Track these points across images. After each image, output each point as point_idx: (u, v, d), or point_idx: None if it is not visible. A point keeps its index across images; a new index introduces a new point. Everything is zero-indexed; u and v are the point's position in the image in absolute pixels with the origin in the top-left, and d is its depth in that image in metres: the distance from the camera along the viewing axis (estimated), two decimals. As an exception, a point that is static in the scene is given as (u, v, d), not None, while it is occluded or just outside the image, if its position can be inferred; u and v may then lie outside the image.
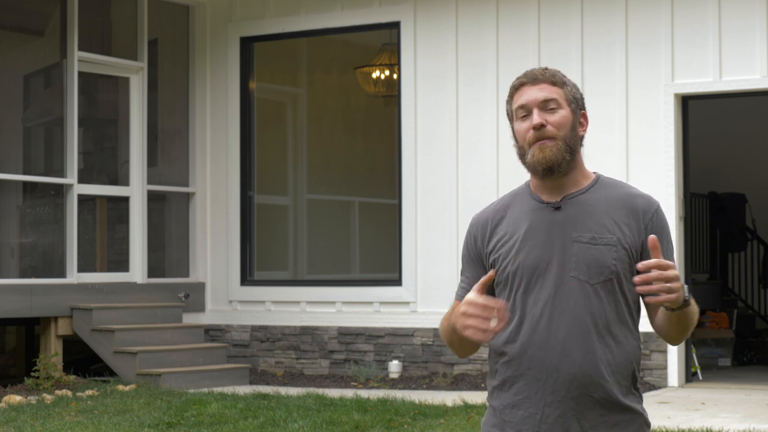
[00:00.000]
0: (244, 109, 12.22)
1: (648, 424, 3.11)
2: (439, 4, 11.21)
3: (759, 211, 14.55)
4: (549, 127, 3.06)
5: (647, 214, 3.08)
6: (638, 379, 3.11)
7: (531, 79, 3.10)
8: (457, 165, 11.03)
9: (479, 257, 3.17)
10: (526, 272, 3.06)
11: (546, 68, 3.13)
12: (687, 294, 2.92)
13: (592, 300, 3.02)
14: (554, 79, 3.11)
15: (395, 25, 11.48)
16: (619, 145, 10.38)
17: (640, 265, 2.86)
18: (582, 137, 3.15)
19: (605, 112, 10.46)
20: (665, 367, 10.12)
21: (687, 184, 10.49)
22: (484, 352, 10.43)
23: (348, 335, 11.43)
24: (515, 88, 3.13)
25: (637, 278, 2.87)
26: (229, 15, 12.35)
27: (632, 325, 3.08)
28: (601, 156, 10.45)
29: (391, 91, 12.34)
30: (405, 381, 10.77)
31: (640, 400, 3.11)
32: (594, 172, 3.18)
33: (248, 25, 12.24)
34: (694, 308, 2.99)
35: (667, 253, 3.06)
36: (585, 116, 3.16)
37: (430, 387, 10.44)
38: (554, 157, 3.05)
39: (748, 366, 12.49)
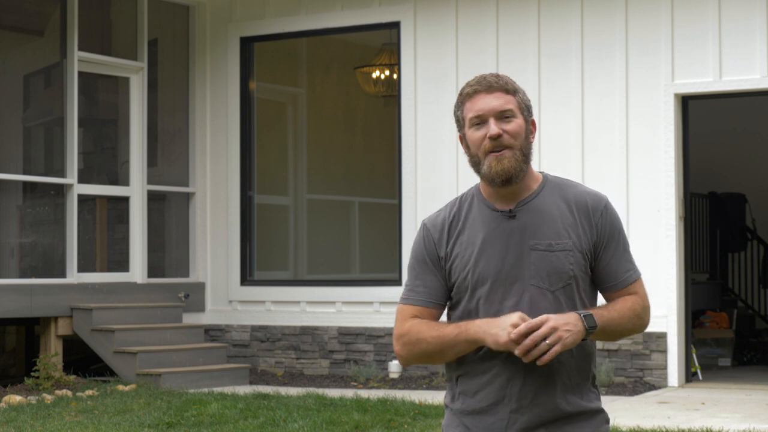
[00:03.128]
0: (244, 109, 12.22)
1: (607, 421, 3.17)
2: (439, 4, 11.21)
3: (759, 211, 14.55)
4: (505, 137, 3.06)
5: (596, 212, 3.11)
6: (596, 376, 3.19)
7: (486, 87, 3.09)
8: (457, 165, 11.03)
9: (438, 261, 3.14)
10: (487, 282, 3.07)
11: (498, 75, 3.12)
12: (586, 324, 2.99)
13: (553, 306, 3.05)
14: (507, 87, 3.10)
15: (395, 25, 11.48)
16: (619, 145, 10.38)
17: (513, 335, 2.93)
18: (531, 143, 3.16)
19: (605, 112, 10.46)
20: (665, 367, 10.12)
21: (687, 184, 10.49)
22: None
23: (348, 335, 11.43)
24: (468, 96, 3.11)
25: (516, 351, 2.94)
26: (229, 15, 12.35)
27: None
28: (601, 156, 10.45)
29: (391, 91, 12.34)
30: (405, 381, 10.77)
31: (598, 396, 3.18)
32: (540, 172, 3.19)
33: (248, 25, 12.24)
34: (614, 320, 3.06)
35: (618, 251, 3.12)
36: (534, 123, 3.16)
37: (430, 387, 10.45)
38: (512, 168, 3.06)
39: (748, 366, 12.49)
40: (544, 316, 2.95)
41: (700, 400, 9.25)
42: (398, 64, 11.47)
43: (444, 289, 3.14)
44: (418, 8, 11.31)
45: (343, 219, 13.61)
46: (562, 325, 2.95)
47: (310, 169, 13.29)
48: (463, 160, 10.92)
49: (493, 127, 3.05)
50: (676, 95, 10.25)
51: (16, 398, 9.43)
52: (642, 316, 3.13)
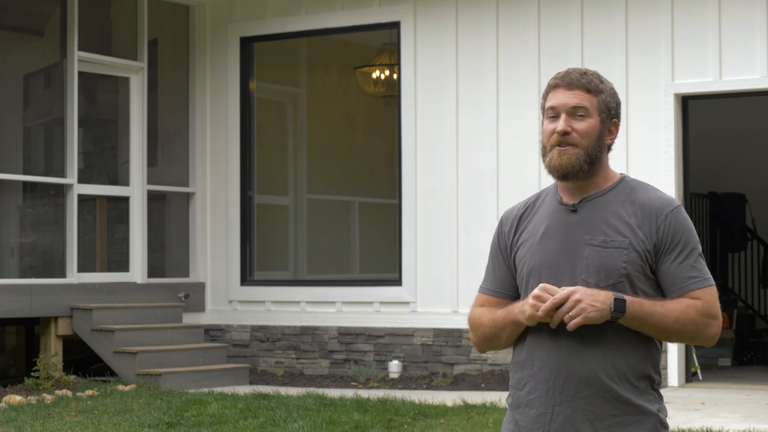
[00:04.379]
0: (244, 109, 12.22)
1: (665, 426, 3.11)
2: (439, 4, 11.21)
3: (759, 211, 14.55)
4: (573, 135, 3.10)
5: (660, 216, 3.09)
6: (656, 379, 3.11)
7: (567, 83, 3.12)
8: (457, 165, 11.03)
9: (506, 251, 3.23)
10: (540, 273, 3.11)
11: (585, 72, 3.14)
12: (613, 307, 2.97)
13: None
14: (590, 86, 3.12)
15: (395, 25, 11.48)
16: (619, 145, 10.30)
17: (541, 312, 2.98)
18: (610, 145, 3.18)
19: (605, 112, 10.44)
20: (665, 367, 10.12)
21: (687, 184, 10.49)
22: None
23: (348, 335, 11.43)
24: (551, 88, 3.15)
25: (539, 313, 3.00)
26: (229, 15, 12.35)
27: None
28: (601, 156, 10.44)
29: (391, 91, 12.34)
30: (405, 381, 10.77)
31: (658, 400, 3.11)
32: (620, 174, 3.21)
33: (248, 25, 12.24)
34: (655, 314, 3.01)
35: (681, 257, 3.09)
36: (616, 124, 3.18)
37: (430, 387, 10.44)
38: (570, 166, 3.09)
39: (748, 366, 12.49)
40: (571, 289, 2.98)
41: (700, 400, 9.25)
42: (398, 64, 11.47)
43: (512, 279, 3.21)
44: (418, 8, 11.31)
45: (343, 219, 13.61)
46: (589, 298, 2.97)
47: (310, 169, 13.29)
48: (463, 159, 10.97)
49: (561, 123, 3.10)
50: (676, 95, 10.25)
51: (16, 398, 9.43)
52: (697, 322, 3.05)
